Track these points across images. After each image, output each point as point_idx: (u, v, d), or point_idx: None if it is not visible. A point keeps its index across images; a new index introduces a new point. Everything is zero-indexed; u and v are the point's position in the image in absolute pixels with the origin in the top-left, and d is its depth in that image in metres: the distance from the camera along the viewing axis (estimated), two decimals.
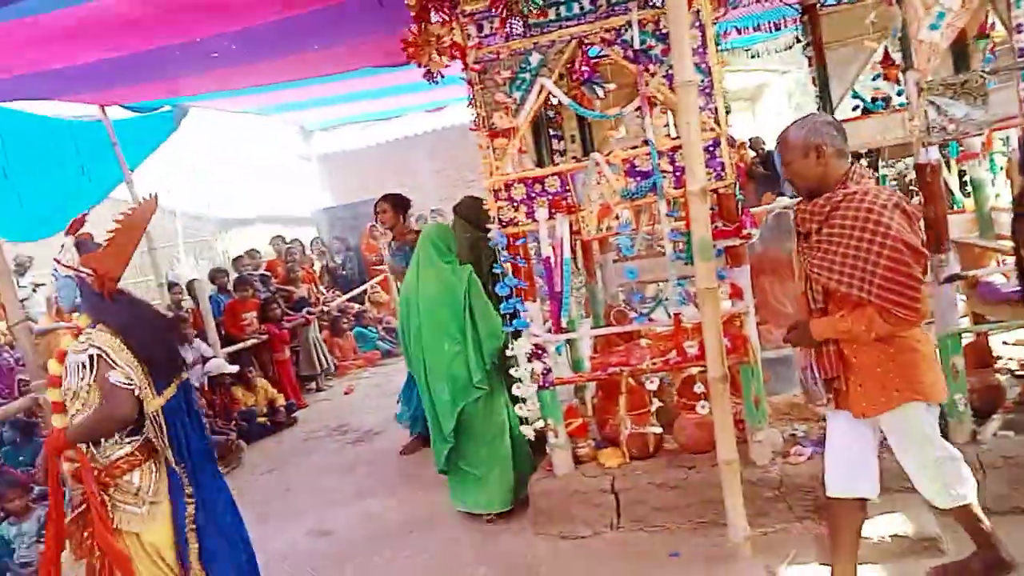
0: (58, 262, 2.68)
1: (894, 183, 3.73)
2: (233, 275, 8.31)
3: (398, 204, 5.36)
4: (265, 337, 7.41)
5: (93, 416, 2.52)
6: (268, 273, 8.81)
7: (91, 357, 2.51)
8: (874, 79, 4.32)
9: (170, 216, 12.25)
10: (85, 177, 5.87)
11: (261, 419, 6.71)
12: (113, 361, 2.50)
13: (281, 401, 7.06)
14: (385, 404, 6.88)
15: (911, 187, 3.66)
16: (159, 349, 2.66)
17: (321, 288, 9.64)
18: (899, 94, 3.60)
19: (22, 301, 6.32)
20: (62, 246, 2.71)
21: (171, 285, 7.55)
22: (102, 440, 2.56)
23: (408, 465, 5.07)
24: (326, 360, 8.31)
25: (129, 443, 2.58)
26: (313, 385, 8.13)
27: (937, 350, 2.78)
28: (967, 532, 2.64)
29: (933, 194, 3.16)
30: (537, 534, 3.63)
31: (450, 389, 3.81)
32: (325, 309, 8.85)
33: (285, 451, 6.19)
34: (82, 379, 2.53)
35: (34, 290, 9.36)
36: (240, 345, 7.19)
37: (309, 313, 8.20)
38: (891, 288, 2.30)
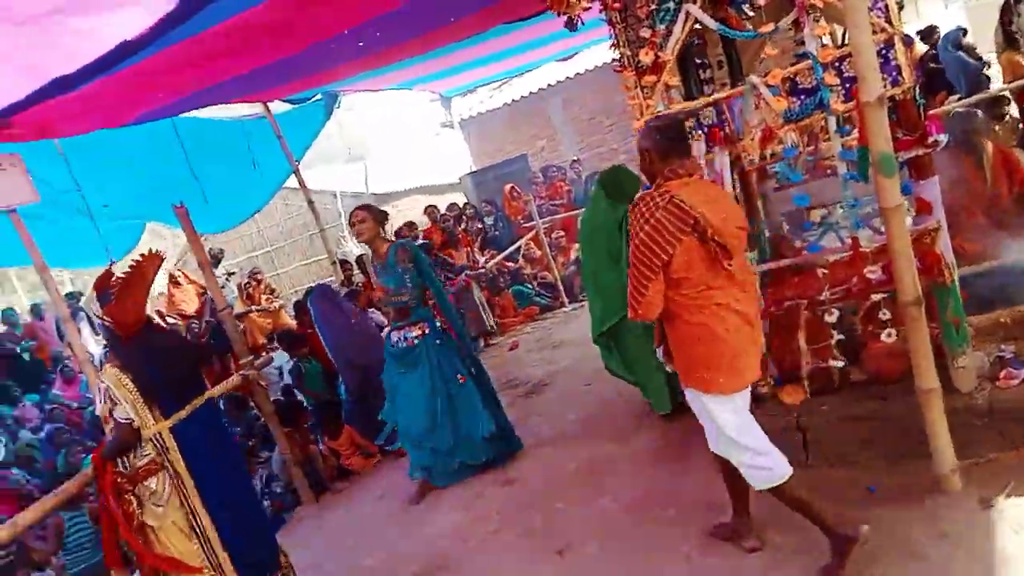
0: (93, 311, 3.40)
1: None
2: None
3: (376, 214, 4.68)
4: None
5: (110, 441, 3.22)
6: (428, 241, 9.19)
7: (102, 390, 3.22)
8: None
9: (331, 198, 13.12)
10: (258, 171, 6.40)
11: None
12: (115, 397, 3.16)
13: None
14: (548, 356, 7.04)
15: None
16: (172, 379, 3.30)
17: (476, 250, 9.93)
18: None
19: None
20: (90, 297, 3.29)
21: (342, 263, 8.11)
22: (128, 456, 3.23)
23: (580, 414, 5.17)
24: (489, 319, 8.59)
25: (147, 455, 3.22)
26: (480, 344, 8.46)
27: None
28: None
29: None
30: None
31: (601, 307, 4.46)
32: (482, 271, 9.12)
33: None
34: (103, 405, 3.23)
35: (227, 279, 10.43)
36: None
37: (468, 276, 8.49)
38: (630, 281, 2.68)
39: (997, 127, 5.80)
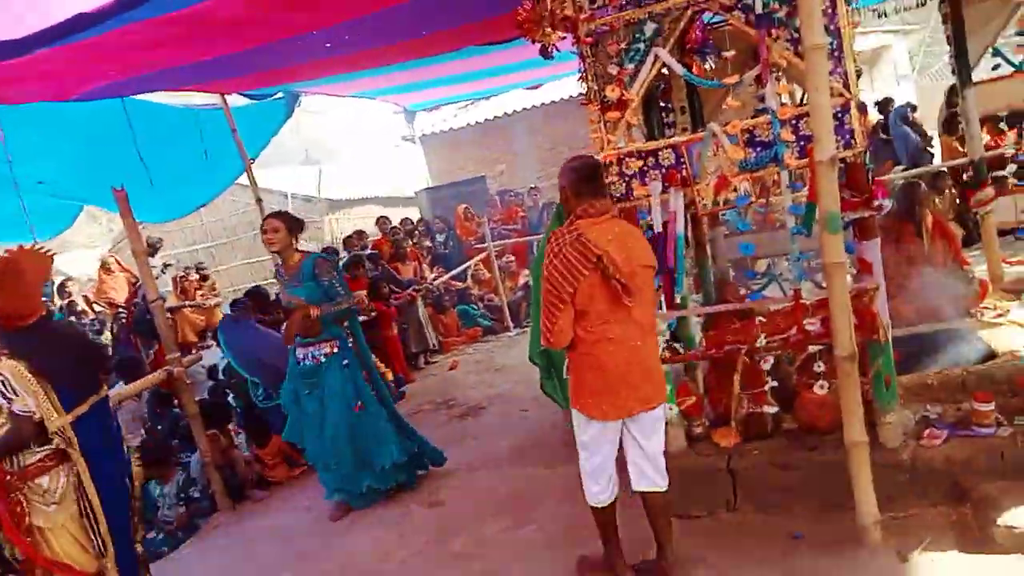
0: None
1: None
2: (344, 254, 8.61)
3: (291, 223, 4.36)
4: (375, 314, 7.66)
5: (2, 437, 2.96)
6: (376, 252, 9.09)
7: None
8: (1020, 34, 3.96)
9: (282, 198, 12.88)
10: (208, 163, 6.21)
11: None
12: (13, 389, 2.95)
13: (390, 376, 7.29)
14: (488, 380, 7.00)
15: None
16: (67, 373, 3.13)
17: (424, 266, 9.87)
18: None
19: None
20: None
21: None
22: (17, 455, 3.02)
23: (516, 440, 5.13)
24: (431, 336, 8.51)
25: (40, 452, 3.02)
26: (419, 361, 8.36)
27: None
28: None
29: None
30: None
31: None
32: (430, 287, 9.05)
33: None
34: None
35: (163, 270, 10.07)
36: None
37: (415, 290, 8.41)
38: (543, 311, 2.86)
39: (937, 199, 6.10)
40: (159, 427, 6.02)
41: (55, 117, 4.77)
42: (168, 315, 7.65)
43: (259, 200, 7.05)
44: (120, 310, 9.46)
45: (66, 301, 10.01)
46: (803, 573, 2.91)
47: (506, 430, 5.39)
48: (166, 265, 10.79)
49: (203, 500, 5.10)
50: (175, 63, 4.30)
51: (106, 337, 9.34)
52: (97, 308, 10.28)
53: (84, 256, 15.58)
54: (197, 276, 10.45)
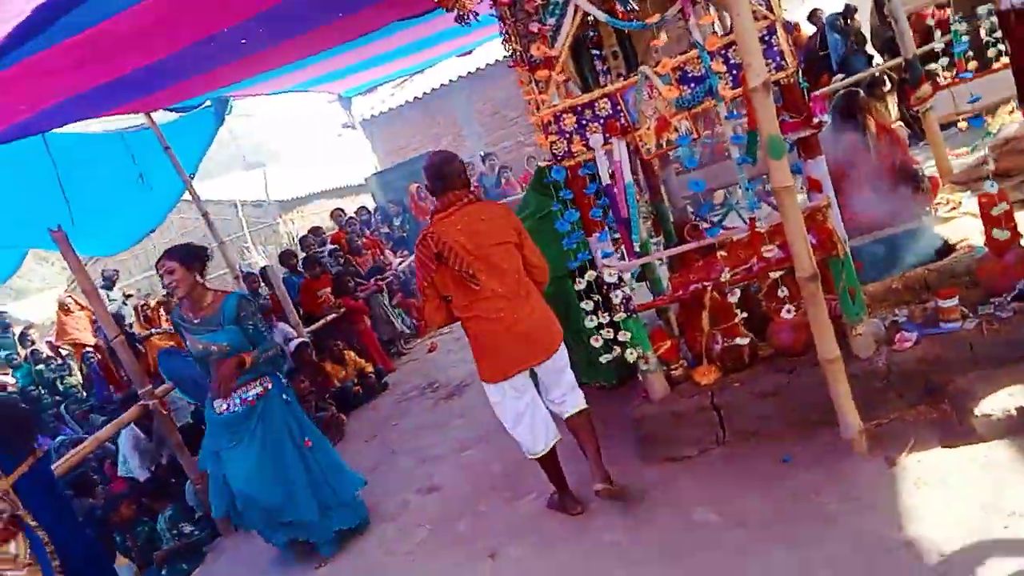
0: None
1: (965, 39, 3.42)
2: (301, 255, 8.48)
3: (190, 259, 3.70)
4: (343, 310, 7.58)
5: None
6: (336, 246, 8.96)
7: None
8: None
9: (231, 208, 12.60)
10: (146, 186, 6.02)
11: (355, 388, 6.93)
12: None
13: (370, 369, 7.26)
14: (467, 356, 6.92)
15: (991, 40, 3.34)
16: (4, 437, 3.15)
17: (387, 253, 9.76)
18: None
19: (114, 315, 6.63)
20: None
21: (247, 276, 7.77)
22: None
23: None
24: (403, 322, 8.46)
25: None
26: (395, 349, 8.32)
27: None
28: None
29: (1019, 42, 2.88)
30: (643, 460, 3.64)
31: None
32: (395, 273, 8.97)
33: (382, 416, 6.38)
34: None
35: (124, 301, 9.84)
36: (320, 322, 7.39)
37: (378, 279, 8.33)
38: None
39: (878, 105, 6.12)
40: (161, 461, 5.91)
41: None
42: (139, 345, 7.52)
43: (205, 214, 6.89)
44: (87, 350, 9.24)
45: (29, 350, 9.75)
46: (797, 493, 2.96)
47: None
48: (127, 296, 10.54)
49: (204, 527, 5.04)
50: (88, 85, 4.12)
51: (76, 379, 9.13)
52: (63, 351, 10.03)
53: (41, 300, 15.18)
54: (155, 302, 10.25)
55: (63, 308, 9.98)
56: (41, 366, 9.55)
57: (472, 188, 3.37)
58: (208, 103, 6.43)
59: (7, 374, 9.36)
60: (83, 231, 5.31)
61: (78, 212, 5.08)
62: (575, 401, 3.39)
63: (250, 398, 3.75)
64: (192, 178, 6.72)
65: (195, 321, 3.69)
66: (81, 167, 5.42)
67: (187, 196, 6.99)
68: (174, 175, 6.39)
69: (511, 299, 3.20)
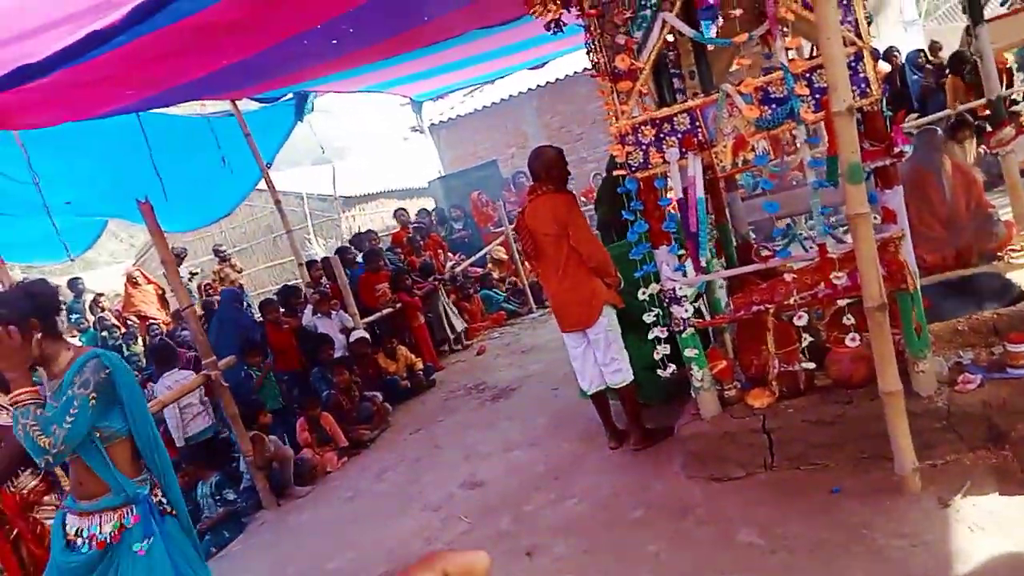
0: None
1: None
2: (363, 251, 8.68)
3: (19, 311, 2.31)
4: (399, 306, 7.74)
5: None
6: (395, 245, 9.16)
7: None
8: None
9: (297, 199, 12.97)
10: (227, 168, 6.29)
11: (403, 383, 7.06)
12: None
13: (420, 365, 7.39)
14: (517, 361, 7.05)
15: None
16: None
17: (448, 254, 9.93)
18: None
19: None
20: None
21: (310, 264, 8.01)
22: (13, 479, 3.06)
23: (549, 418, 5.19)
24: (456, 324, 8.58)
25: (33, 478, 3.10)
26: (446, 348, 8.44)
27: None
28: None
29: None
30: (689, 477, 3.64)
31: None
32: (452, 275, 9.11)
33: (429, 411, 6.49)
34: None
35: (190, 279, 10.23)
36: (376, 315, 7.57)
37: (436, 280, 8.47)
38: None
39: (956, 148, 6.00)
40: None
41: (75, 136, 4.87)
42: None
43: (278, 203, 7.14)
44: (152, 322, 9.64)
45: (97, 316, 10.19)
46: (845, 525, 2.92)
47: (540, 409, 5.44)
48: (192, 274, 10.96)
49: (248, 497, 5.21)
50: (185, 74, 4.35)
51: (139, 348, 9.52)
52: (129, 322, 10.47)
53: (109, 272, 15.83)
54: (218, 260, 10.68)
55: (131, 281, 10.43)
56: (105, 333, 9.97)
57: (561, 181, 4.08)
58: (290, 96, 6.69)
59: (74, 337, 9.81)
60: (167, 206, 5.57)
61: (167, 187, 5.34)
62: (613, 376, 4.04)
63: (101, 538, 2.38)
64: (268, 167, 6.98)
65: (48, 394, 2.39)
66: (170, 146, 5.72)
67: (259, 185, 7.27)
68: (252, 162, 6.66)
69: (548, 277, 4.11)
